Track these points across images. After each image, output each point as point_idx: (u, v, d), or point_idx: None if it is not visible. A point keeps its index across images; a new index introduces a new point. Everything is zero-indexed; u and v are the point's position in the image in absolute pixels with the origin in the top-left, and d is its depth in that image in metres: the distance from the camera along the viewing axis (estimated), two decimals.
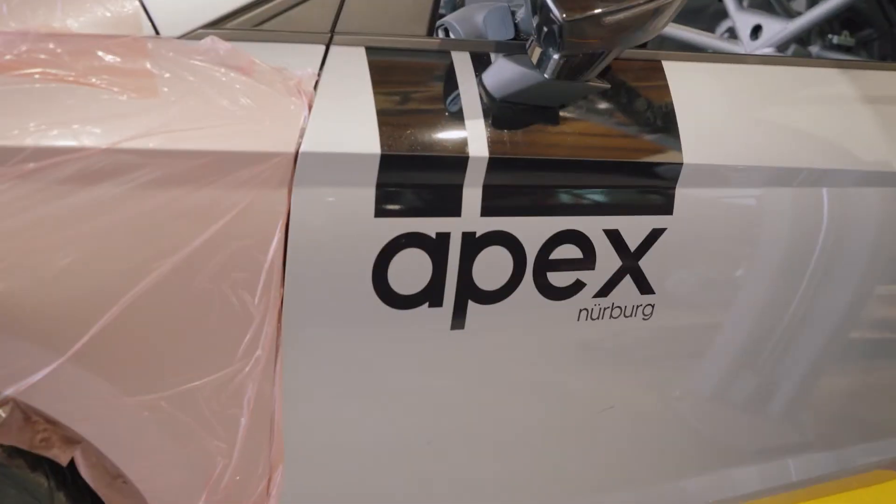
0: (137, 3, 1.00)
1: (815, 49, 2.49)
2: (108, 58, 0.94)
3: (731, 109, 1.29)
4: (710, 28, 2.56)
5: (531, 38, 1.07)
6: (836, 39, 2.46)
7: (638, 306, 1.26)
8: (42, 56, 0.91)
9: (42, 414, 0.97)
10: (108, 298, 0.94)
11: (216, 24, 1.02)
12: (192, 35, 1.01)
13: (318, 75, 1.03)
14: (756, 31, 2.24)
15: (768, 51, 2.24)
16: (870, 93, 1.40)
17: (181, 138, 0.94)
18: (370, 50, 1.07)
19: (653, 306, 1.27)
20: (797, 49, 2.43)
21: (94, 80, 0.92)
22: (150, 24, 1.00)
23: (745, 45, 2.26)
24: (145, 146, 0.92)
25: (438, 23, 1.23)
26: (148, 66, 0.95)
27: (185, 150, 0.94)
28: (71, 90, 0.91)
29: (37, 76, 0.91)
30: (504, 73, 1.10)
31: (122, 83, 0.93)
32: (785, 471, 1.59)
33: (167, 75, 0.96)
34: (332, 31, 1.06)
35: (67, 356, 0.93)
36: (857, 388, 1.59)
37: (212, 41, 0.99)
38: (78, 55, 0.93)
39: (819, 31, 2.43)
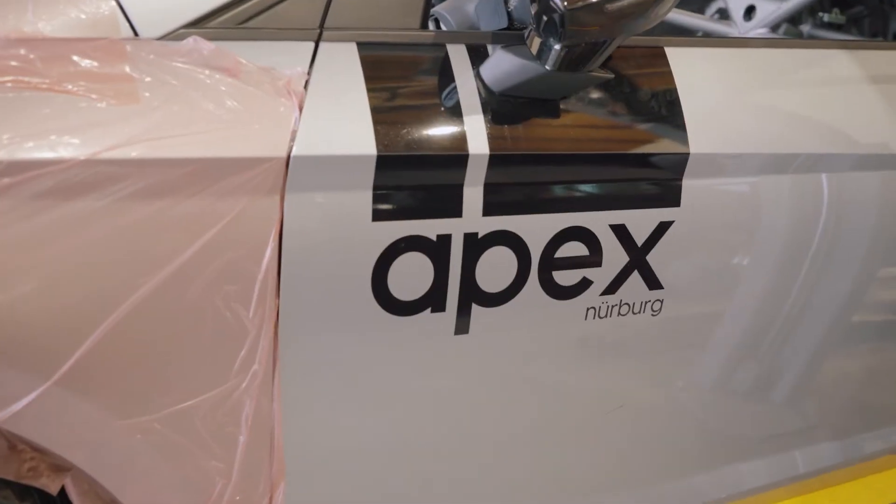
0: (114, 4, 0.95)
1: (806, 28, 2.45)
2: (85, 62, 0.89)
3: (737, 96, 1.25)
4: (699, 9, 2.52)
5: (529, 27, 1.02)
6: (826, 17, 2.44)
7: (646, 302, 1.22)
8: (13, 63, 0.86)
9: (28, 442, 0.92)
10: (95, 318, 0.89)
11: (198, 24, 0.97)
12: (174, 35, 0.96)
13: (308, 74, 0.98)
14: (749, 11, 2.20)
15: (763, 31, 2.20)
16: (882, 73, 1.36)
17: (165, 146, 0.88)
18: (362, 45, 1.02)
19: (661, 301, 1.23)
20: (788, 28, 2.40)
21: (70, 86, 0.87)
22: (128, 25, 0.94)
23: (739, 26, 2.22)
24: (127, 156, 0.87)
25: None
26: (127, 70, 0.90)
27: (169, 159, 0.88)
28: (46, 98, 0.86)
29: (8, 84, 0.85)
30: (502, 65, 1.05)
31: (100, 89, 0.88)
32: (796, 462, 1.55)
33: (148, 79, 0.90)
34: (321, 26, 1.01)
35: (53, 380, 0.88)
36: (869, 375, 1.56)
37: (194, 41, 0.94)
38: (52, 61, 0.87)
39: (810, 9, 2.40)
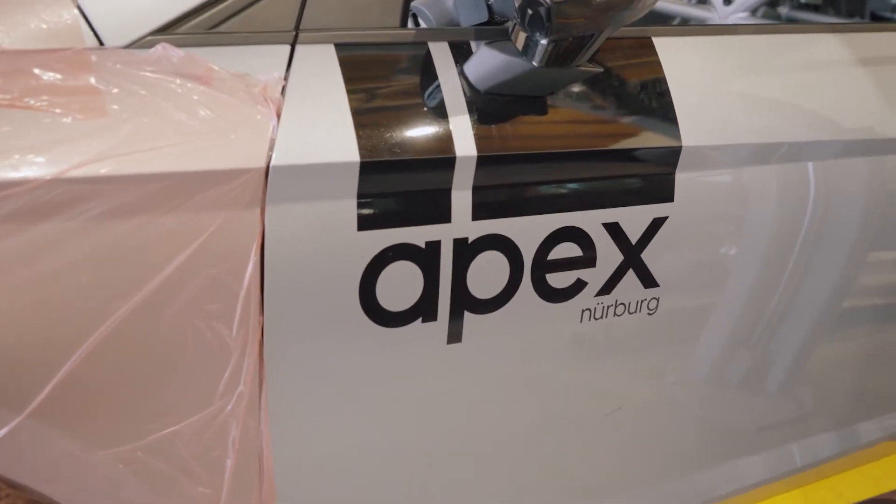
0: (76, 12, 0.90)
1: (784, 10, 2.44)
2: (47, 75, 0.84)
3: (728, 85, 1.21)
4: None
5: (514, 22, 0.98)
6: None
7: (642, 301, 1.18)
8: None
9: (2, 479, 0.87)
10: (68, 346, 0.84)
11: (167, 30, 0.92)
12: (141, 43, 0.91)
13: (285, 79, 0.93)
14: None
15: (743, 15, 2.18)
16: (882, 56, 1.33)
17: (137, 161, 0.83)
18: (340, 47, 0.97)
19: (658, 300, 1.19)
20: (767, 11, 2.38)
21: (32, 101, 0.82)
22: (92, 33, 0.89)
23: (719, 11, 2.20)
24: (97, 173, 0.82)
25: None
26: (93, 81, 0.85)
27: (142, 174, 0.84)
28: (6, 115, 0.81)
29: None
30: (487, 63, 1.01)
31: (64, 103, 0.83)
32: (796, 456, 1.53)
33: (116, 91, 0.85)
34: (297, 28, 0.96)
35: (26, 413, 0.83)
36: (867, 363, 1.53)
37: (163, 49, 0.89)
38: (12, 75, 0.82)
39: None
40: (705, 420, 1.40)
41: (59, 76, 0.84)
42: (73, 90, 0.84)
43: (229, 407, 0.95)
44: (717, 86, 1.20)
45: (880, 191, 1.35)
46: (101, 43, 0.90)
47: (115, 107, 0.84)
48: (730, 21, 2.15)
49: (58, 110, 0.82)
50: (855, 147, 1.30)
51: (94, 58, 0.87)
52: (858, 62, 1.32)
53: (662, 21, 2.26)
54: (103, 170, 0.82)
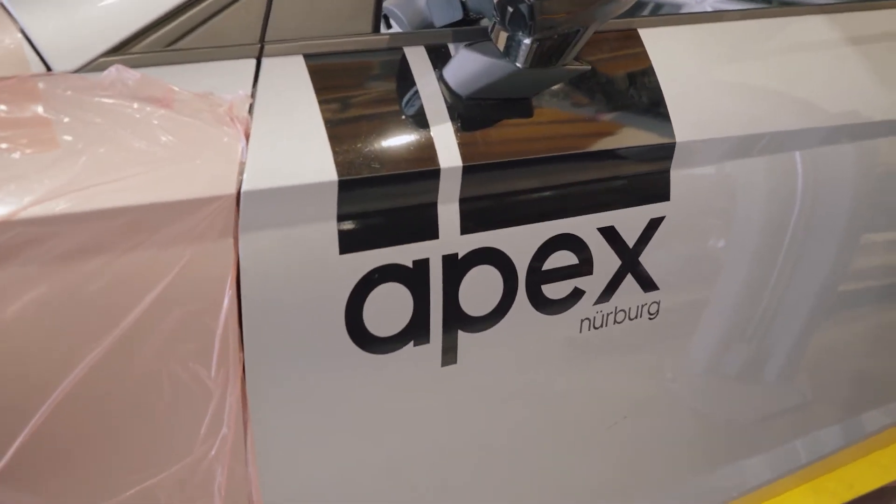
0: (20, 36, 0.82)
1: None
2: None
3: (719, 75, 1.15)
4: None
5: (493, 21, 0.92)
6: None
7: (643, 306, 1.13)
8: None
9: None
10: (31, 403, 0.77)
11: (120, 50, 0.84)
12: (93, 66, 0.83)
13: (252, 96, 0.86)
14: None
15: None
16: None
17: (94, 195, 0.76)
18: (310, 57, 0.90)
19: (658, 303, 1.14)
20: None
21: None
22: (38, 58, 0.82)
23: None
24: (51, 212, 0.75)
25: None
26: (41, 111, 0.78)
27: (101, 210, 0.76)
28: None
29: None
30: (468, 66, 0.94)
31: (11, 137, 0.76)
32: (806, 450, 1.48)
33: (67, 120, 0.78)
34: (262, 40, 0.89)
35: None
36: (871, 353, 1.49)
37: (117, 71, 0.82)
38: None
39: None
40: (713, 421, 1.34)
41: (2, 107, 0.77)
42: (19, 122, 0.77)
43: (213, 452, 0.88)
44: (709, 77, 1.15)
45: (874, 174, 1.31)
46: (48, 68, 0.82)
47: (68, 137, 0.77)
48: (706, 4, 2.09)
49: (4, 145, 0.75)
50: (843, 131, 1.25)
51: (41, 85, 0.80)
52: (847, 42, 1.27)
53: (637, 9, 2.21)
54: (58, 208, 0.75)
